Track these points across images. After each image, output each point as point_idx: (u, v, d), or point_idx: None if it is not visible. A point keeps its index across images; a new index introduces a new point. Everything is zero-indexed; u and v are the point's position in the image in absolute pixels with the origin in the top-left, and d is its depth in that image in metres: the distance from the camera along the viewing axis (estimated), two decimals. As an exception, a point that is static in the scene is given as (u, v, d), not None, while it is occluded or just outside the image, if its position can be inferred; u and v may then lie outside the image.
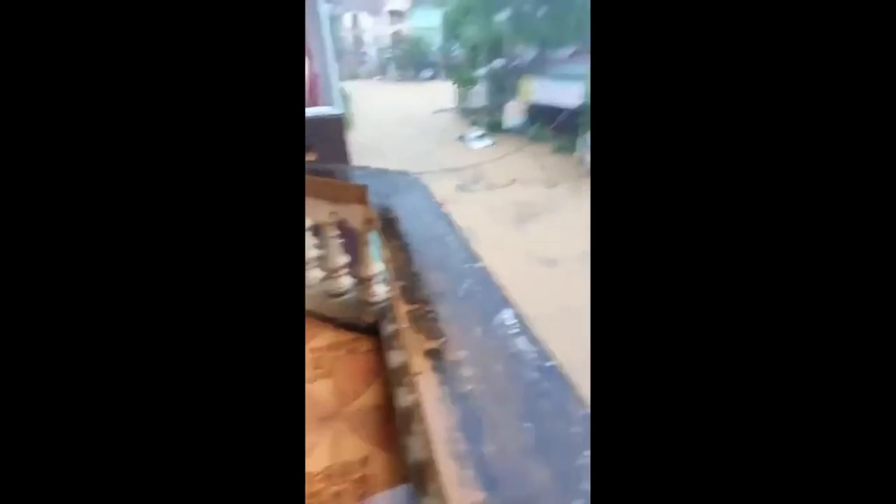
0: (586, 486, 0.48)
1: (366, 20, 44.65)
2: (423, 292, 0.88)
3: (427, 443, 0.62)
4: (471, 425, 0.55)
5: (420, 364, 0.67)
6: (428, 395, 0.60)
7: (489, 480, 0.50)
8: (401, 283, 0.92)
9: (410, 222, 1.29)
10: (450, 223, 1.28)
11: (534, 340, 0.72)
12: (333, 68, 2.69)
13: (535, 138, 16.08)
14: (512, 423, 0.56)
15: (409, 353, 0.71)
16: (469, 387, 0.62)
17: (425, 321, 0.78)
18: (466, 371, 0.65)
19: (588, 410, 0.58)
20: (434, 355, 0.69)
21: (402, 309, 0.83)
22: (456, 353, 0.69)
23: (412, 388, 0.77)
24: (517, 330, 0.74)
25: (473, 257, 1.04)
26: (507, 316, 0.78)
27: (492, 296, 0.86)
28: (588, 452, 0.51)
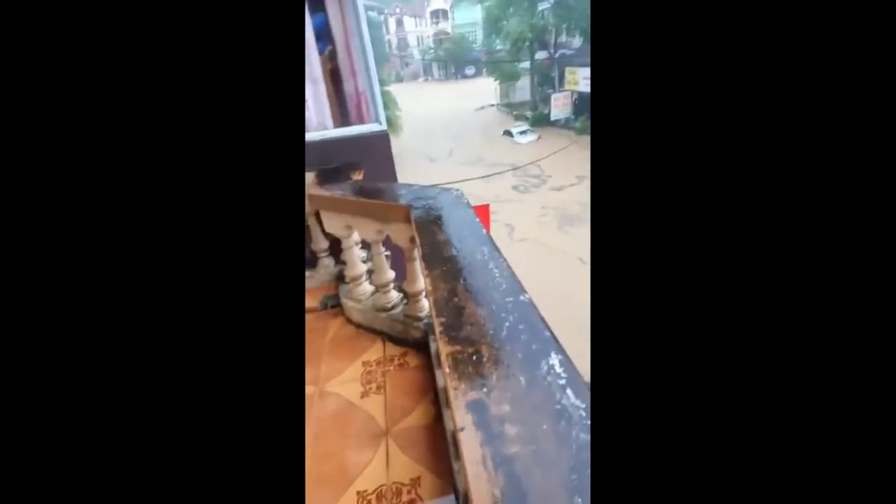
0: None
1: (409, 23, 45.41)
2: (465, 331, 0.86)
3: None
4: (515, 498, 0.53)
5: (462, 418, 0.65)
6: (470, 456, 0.59)
7: (536, 560, 0.48)
8: (441, 320, 0.92)
9: (452, 247, 1.28)
10: (494, 248, 1.24)
11: (582, 393, 0.67)
12: (377, 85, 2.75)
13: (582, 130, 15.33)
14: (560, 496, 0.53)
15: (452, 404, 0.69)
16: (513, 449, 0.59)
17: (467, 365, 0.77)
18: (510, 430, 0.62)
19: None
20: (476, 408, 0.67)
21: (445, 350, 0.82)
22: (499, 407, 0.66)
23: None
24: (564, 380, 0.70)
25: (518, 289, 1.00)
26: (554, 362, 0.74)
27: (537, 336, 0.82)
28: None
